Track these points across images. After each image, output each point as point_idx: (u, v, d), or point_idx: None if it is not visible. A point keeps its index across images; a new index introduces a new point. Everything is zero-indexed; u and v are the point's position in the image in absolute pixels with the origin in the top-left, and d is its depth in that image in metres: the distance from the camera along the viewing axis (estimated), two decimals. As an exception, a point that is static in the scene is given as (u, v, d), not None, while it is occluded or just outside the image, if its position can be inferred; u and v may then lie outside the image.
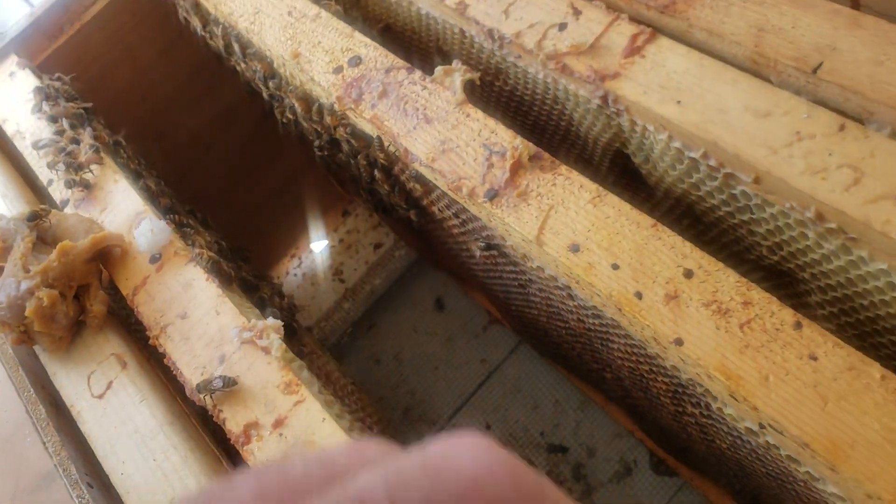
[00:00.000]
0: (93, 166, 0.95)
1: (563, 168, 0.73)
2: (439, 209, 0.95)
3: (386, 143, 0.84)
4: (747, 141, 0.67)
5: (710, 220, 0.77)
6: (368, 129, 0.86)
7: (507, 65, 0.88)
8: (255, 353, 0.75)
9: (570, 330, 0.92)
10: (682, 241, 0.65)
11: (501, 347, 1.53)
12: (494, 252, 0.90)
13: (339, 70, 0.89)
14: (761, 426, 0.59)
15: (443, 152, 0.78)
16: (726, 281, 0.62)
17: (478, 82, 0.82)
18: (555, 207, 0.71)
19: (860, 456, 0.53)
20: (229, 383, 0.72)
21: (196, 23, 1.14)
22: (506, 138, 0.76)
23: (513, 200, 0.73)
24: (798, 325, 0.58)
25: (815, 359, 0.57)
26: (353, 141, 0.91)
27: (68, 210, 0.93)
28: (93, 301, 0.83)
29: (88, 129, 0.99)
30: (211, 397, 0.72)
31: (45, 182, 0.98)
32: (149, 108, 1.35)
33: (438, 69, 0.83)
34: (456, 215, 0.91)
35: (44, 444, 0.78)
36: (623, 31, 0.78)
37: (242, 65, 1.11)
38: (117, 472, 0.75)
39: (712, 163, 0.71)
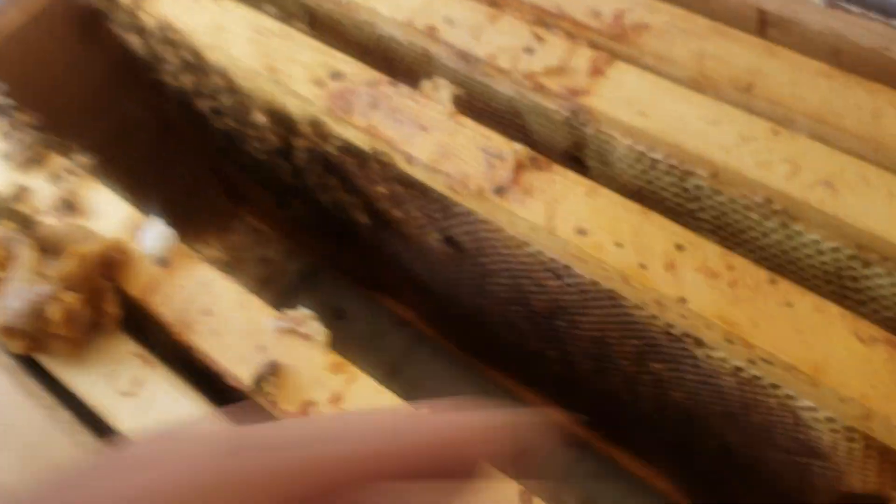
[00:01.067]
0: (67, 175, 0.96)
1: (558, 167, 0.87)
2: (402, 211, 1.06)
3: (380, 151, 0.94)
4: (704, 144, 0.85)
5: (661, 207, 0.94)
6: (358, 138, 0.96)
7: (472, 83, 1.00)
8: (295, 341, 0.81)
9: (528, 312, 1.06)
10: (669, 221, 0.81)
11: (403, 349, 1.64)
12: (452, 248, 1.02)
13: (320, 84, 0.98)
14: (751, 361, 0.76)
15: (443, 156, 0.90)
16: (711, 251, 0.79)
17: (463, 97, 0.94)
18: (557, 200, 0.84)
19: (833, 371, 0.71)
20: (274, 368, 0.78)
21: (133, 38, 1.16)
22: (501, 143, 0.89)
23: (519, 196, 0.86)
24: (773, 281, 0.76)
25: (790, 305, 0.74)
26: (327, 151, 0.99)
27: (48, 220, 0.93)
28: (108, 304, 0.85)
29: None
30: (263, 386, 0.78)
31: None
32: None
33: (425, 82, 0.95)
34: (427, 215, 1.02)
35: (76, 446, 0.79)
36: (583, 55, 0.94)
37: (185, 78, 1.15)
38: (168, 462, 0.78)
39: (673, 162, 0.88)
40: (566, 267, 0.87)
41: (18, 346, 0.84)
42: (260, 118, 1.06)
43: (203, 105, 1.17)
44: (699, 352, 0.82)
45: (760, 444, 0.90)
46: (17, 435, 0.81)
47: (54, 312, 0.81)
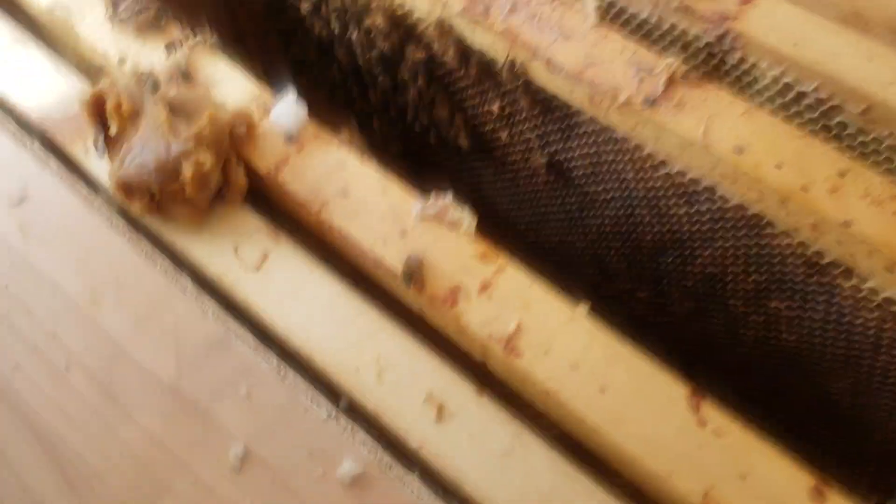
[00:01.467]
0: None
1: (711, 86, 0.85)
2: (510, 134, 1.03)
3: (516, 58, 0.91)
4: (859, 78, 0.84)
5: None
6: (493, 44, 0.92)
7: None
8: (440, 229, 0.78)
9: (630, 249, 1.04)
10: (831, 147, 0.80)
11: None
12: (555, 176, 1.00)
13: (456, -16, 0.94)
14: (911, 288, 0.74)
15: (588, 66, 0.87)
16: (875, 180, 0.78)
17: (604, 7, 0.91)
18: (713, 117, 0.82)
19: None
20: (419, 262, 0.75)
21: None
22: (650, 57, 0.86)
23: (671, 110, 0.83)
24: (940, 214, 0.75)
25: (957, 236, 0.73)
26: (444, 62, 0.96)
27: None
28: (235, 173, 0.80)
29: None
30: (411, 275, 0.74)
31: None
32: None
33: (569, -8, 0.92)
34: (541, 136, 0.99)
35: (203, 312, 0.75)
36: (732, -16, 0.92)
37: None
38: (301, 337, 0.74)
39: (822, 95, 0.86)
40: (709, 189, 0.85)
41: (137, 207, 0.79)
42: (378, 20, 1.02)
43: (304, 5, 1.12)
44: (846, 283, 0.80)
45: (875, 391, 0.89)
46: (136, 297, 0.76)
47: (186, 170, 0.76)
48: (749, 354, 1.02)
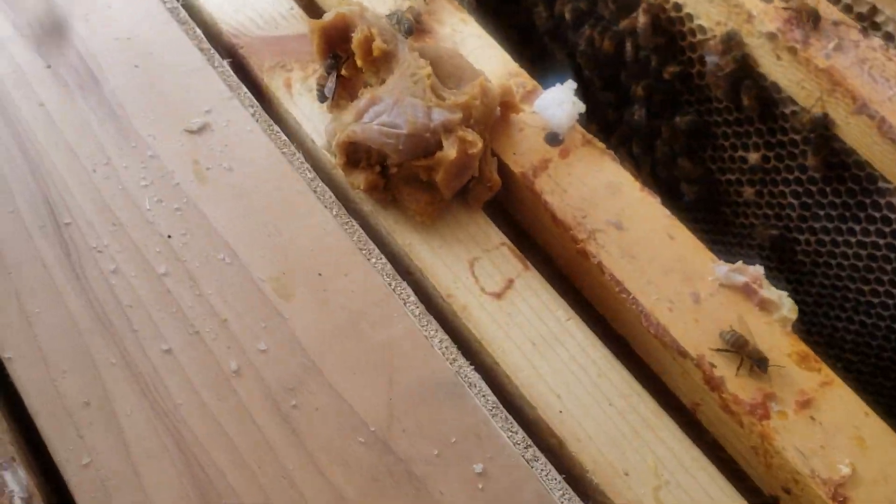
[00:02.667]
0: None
1: None
2: (768, 192, 0.84)
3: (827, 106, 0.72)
4: None
5: None
6: (804, 80, 0.73)
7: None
8: (746, 306, 0.58)
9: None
10: None
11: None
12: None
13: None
14: None
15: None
16: None
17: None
18: None
19: None
20: (741, 343, 0.56)
21: None
22: None
23: None
24: None
25: None
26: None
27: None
28: (489, 166, 0.61)
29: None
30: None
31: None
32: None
33: (912, 45, 0.73)
34: (804, 207, 0.80)
35: (428, 341, 0.55)
36: None
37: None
38: (550, 409, 0.54)
39: None
40: None
41: (360, 179, 0.59)
42: (642, 20, 0.83)
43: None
44: None
45: None
46: (340, 296, 0.56)
47: (449, 147, 0.57)
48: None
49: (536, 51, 0.95)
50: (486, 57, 0.69)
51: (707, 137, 0.85)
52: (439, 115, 0.57)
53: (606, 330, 0.62)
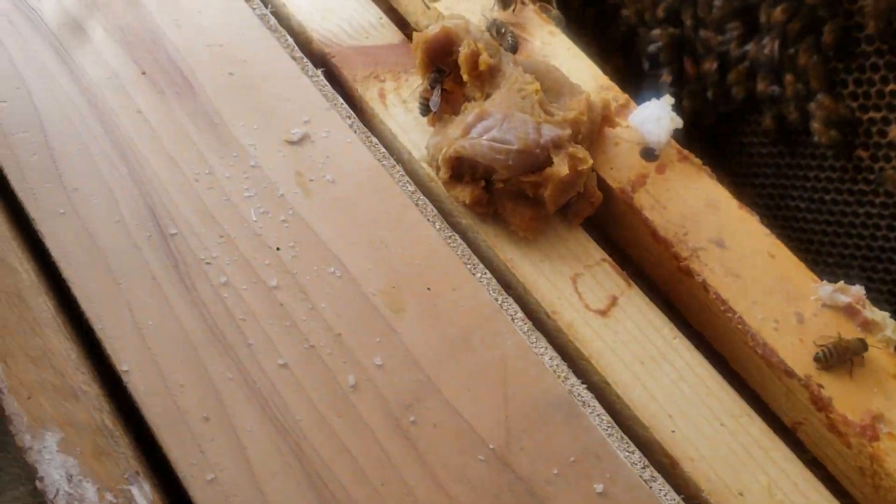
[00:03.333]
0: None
1: None
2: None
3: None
4: None
5: None
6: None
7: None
8: (848, 326, 0.59)
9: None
10: None
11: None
12: None
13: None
14: None
15: None
16: None
17: None
18: None
19: None
20: (858, 347, 0.56)
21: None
22: None
23: None
24: None
25: None
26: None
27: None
28: (590, 181, 0.61)
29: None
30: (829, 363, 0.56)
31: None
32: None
33: None
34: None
35: (538, 358, 0.55)
36: None
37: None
38: (662, 426, 0.54)
39: None
40: None
41: (465, 194, 0.59)
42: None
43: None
44: None
45: None
46: (449, 315, 0.56)
47: (560, 164, 0.57)
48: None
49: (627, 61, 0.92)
50: (576, 69, 0.69)
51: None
52: (549, 132, 0.57)
53: (702, 347, 0.62)
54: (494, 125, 0.58)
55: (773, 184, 0.84)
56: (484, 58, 0.59)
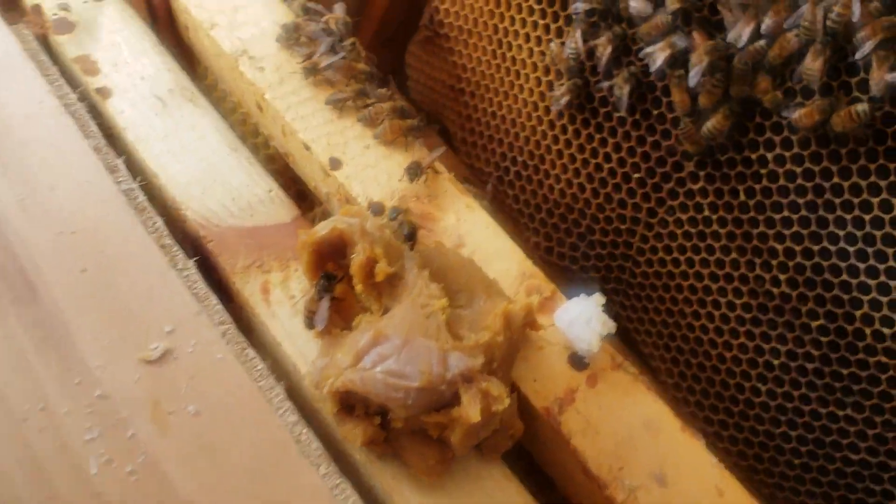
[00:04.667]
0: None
1: None
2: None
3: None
4: None
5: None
6: None
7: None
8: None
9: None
10: None
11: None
12: None
13: None
14: None
15: None
16: None
17: None
18: None
19: None
20: None
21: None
22: None
23: None
24: None
25: None
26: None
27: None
28: (511, 409, 0.51)
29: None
30: None
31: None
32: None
33: None
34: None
35: None
36: None
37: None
38: None
39: None
40: None
41: (356, 432, 0.49)
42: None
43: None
44: None
45: None
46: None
47: (469, 404, 0.47)
48: None
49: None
50: (496, 252, 0.60)
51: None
52: (457, 362, 0.47)
53: None
54: (391, 353, 0.48)
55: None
56: (381, 266, 0.50)
